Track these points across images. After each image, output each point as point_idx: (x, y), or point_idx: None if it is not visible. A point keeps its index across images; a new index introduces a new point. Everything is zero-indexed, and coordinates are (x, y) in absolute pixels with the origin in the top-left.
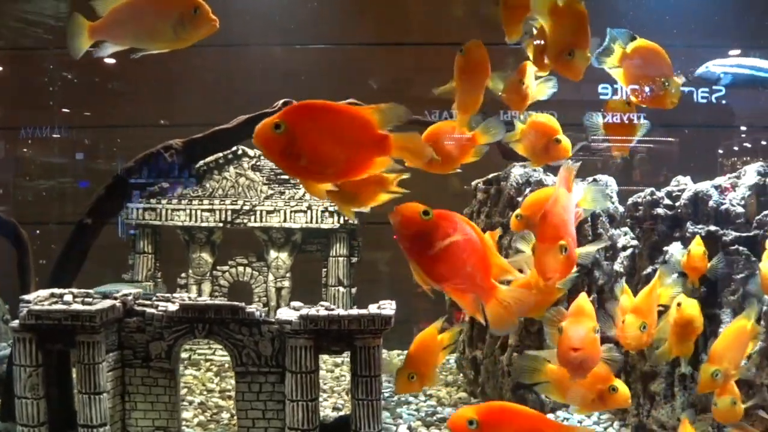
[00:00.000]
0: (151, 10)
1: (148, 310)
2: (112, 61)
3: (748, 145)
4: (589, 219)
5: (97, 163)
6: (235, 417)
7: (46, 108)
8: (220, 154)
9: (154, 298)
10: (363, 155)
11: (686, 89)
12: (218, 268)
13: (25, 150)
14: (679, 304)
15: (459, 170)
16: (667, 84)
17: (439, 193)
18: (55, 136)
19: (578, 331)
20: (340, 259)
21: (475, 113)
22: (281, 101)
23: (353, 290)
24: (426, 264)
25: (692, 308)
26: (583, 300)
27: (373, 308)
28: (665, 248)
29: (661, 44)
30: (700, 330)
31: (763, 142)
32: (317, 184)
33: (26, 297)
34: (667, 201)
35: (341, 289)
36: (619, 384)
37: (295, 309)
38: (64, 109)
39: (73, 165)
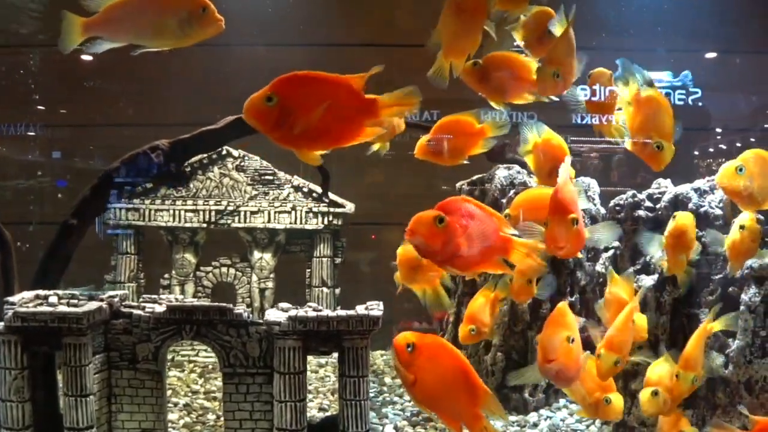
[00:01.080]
0: (156, 7)
1: (135, 311)
2: (89, 58)
3: (723, 147)
4: None
5: (74, 161)
6: (222, 418)
7: (20, 105)
8: (204, 155)
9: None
10: (354, 120)
11: (665, 91)
12: (202, 268)
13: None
14: (674, 216)
15: (467, 161)
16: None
17: (422, 193)
18: (30, 133)
19: (553, 341)
20: (324, 259)
21: (467, 54)
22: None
23: (337, 291)
24: (452, 261)
25: (686, 218)
26: (561, 310)
27: (361, 309)
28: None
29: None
30: (694, 244)
31: (738, 144)
32: (310, 152)
33: (10, 299)
34: (648, 203)
35: (325, 289)
36: (615, 397)
37: (284, 310)
38: (39, 107)
39: (50, 164)
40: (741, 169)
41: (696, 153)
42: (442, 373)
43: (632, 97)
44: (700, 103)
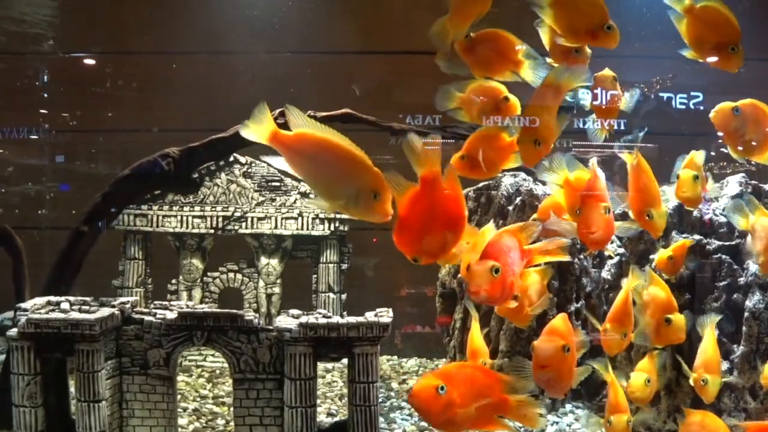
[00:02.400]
0: (336, 167)
1: (147, 317)
2: (92, 61)
3: (725, 151)
4: None
5: (77, 165)
6: (231, 423)
7: (24, 110)
8: (211, 162)
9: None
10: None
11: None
12: (209, 274)
13: (2, 152)
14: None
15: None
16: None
17: None
18: (33, 137)
19: (548, 349)
20: (331, 265)
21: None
22: (278, 111)
23: (343, 296)
24: (510, 295)
25: None
26: (560, 319)
27: (370, 316)
28: (651, 256)
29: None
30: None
31: (740, 148)
32: None
33: (23, 305)
34: None
35: (331, 295)
36: (676, 317)
37: (294, 317)
38: (42, 111)
39: (53, 168)
40: (737, 110)
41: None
42: (475, 396)
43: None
44: (701, 107)
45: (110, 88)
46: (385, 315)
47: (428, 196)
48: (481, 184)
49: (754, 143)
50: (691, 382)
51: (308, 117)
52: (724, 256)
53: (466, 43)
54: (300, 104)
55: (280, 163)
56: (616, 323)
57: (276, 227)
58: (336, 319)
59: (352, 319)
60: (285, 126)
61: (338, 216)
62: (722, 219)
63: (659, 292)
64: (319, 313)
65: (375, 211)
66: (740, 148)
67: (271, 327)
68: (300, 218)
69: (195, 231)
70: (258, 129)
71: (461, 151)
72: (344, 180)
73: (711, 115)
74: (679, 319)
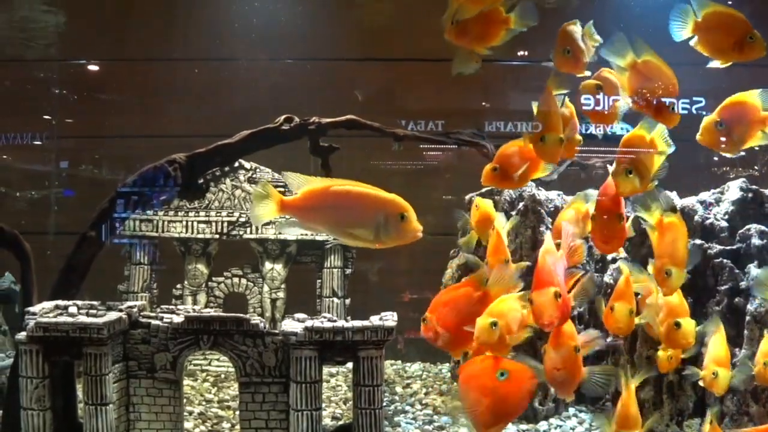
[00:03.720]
0: (354, 206)
1: (153, 321)
2: (96, 67)
3: (728, 156)
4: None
5: (81, 170)
6: (236, 427)
7: (28, 115)
8: (216, 168)
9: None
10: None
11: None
12: (213, 279)
13: (6, 157)
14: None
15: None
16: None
17: (423, 204)
18: (36, 143)
19: (561, 352)
20: (335, 270)
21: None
22: (283, 117)
23: (347, 301)
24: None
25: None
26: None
27: (375, 320)
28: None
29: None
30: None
31: (742, 153)
32: None
33: (31, 309)
34: None
35: (335, 300)
36: (686, 321)
37: (299, 321)
38: (45, 117)
39: (57, 173)
40: (720, 124)
41: (701, 162)
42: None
43: (655, 223)
44: (703, 113)
45: (115, 94)
46: (390, 319)
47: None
48: (483, 190)
49: (739, 138)
50: (700, 380)
51: (305, 176)
52: (725, 260)
53: (458, 28)
54: (302, 111)
55: (295, 231)
56: (622, 300)
57: (280, 232)
58: (341, 322)
59: (357, 323)
60: (296, 131)
61: None
62: (723, 224)
63: (672, 296)
64: (325, 317)
65: (406, 231)
66: (727, 147)
67: (276, 331)
68: None
69: (200, 236)
70: (265, 208)
71: (492, 163)
72: (367, 214)
73: (698, 138)
74: (688, 324)
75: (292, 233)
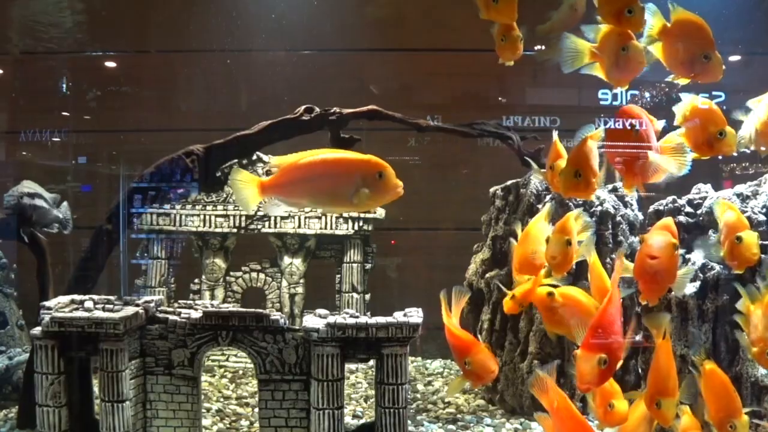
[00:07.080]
0: (331, 172)
1: (171, 317)
2: (113, 64)
3: (747, 151)
4: (609, 226)
5: (98, 166)
6: (255, 424)
7: (46, 111)
8: (235, 160)
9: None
10: None
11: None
12: (231, 273)
13: (25, 153)
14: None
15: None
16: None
17: (445, 198)
18: (55, 139)
19: (658, 241)
20: (354, 265)
21: None
22: (303, 107)
23: (367, 296)
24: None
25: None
26: (669, 219)
27: (399, 316)
28: (687, 256)
29: None
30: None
31: (762, 148)
32: None
33: (47, 303)
34: (689, 209)
35: (355, 295)
36: (747, 234)
37: (321, 317)
38: (64, 113)
39: (75, 169)
40: (722, 134)
41: (720, 157)
42: None
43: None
44: (724, 107)
45: (132, 88)
46: (415, 315)
47: None
48: (509, 182)
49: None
50: (749, 354)
51: (283, 156)
52: (764, 256)
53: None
54: (321, 102)
55: (278, 211)
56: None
57: (299, 226)
58: (364, 319)
59: (381, 319)
60: (316, 122)
61: (362, 215)
62: (761, 217)
63: (731, 215)
64: (347, 313)
65: (386, 188)
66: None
67: (297, 327)
68: (323, 217)
69: (218, 230)
70: (247, 194)
71: (570, 166)
72: (345, 178)
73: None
74: (750, 236)
75: (277, 212)
